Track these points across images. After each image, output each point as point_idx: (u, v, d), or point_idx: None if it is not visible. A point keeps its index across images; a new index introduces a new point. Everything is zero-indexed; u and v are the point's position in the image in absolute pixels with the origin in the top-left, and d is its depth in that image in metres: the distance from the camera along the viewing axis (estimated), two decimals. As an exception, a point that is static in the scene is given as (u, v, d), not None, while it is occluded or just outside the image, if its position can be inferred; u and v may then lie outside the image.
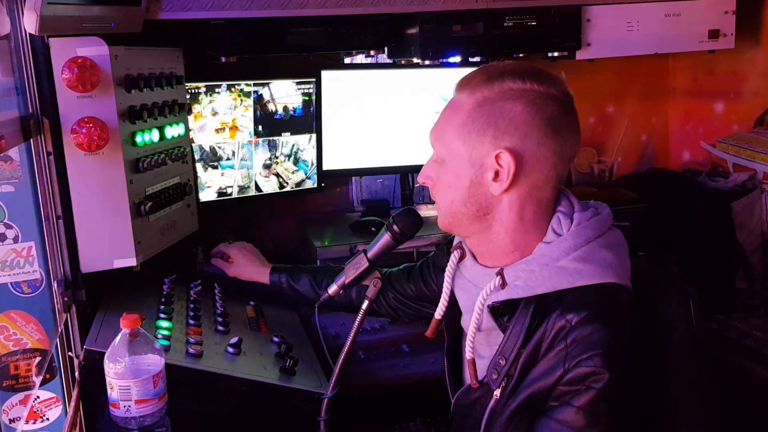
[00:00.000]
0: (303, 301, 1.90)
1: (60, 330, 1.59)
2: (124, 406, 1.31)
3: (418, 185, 2.71)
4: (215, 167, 2.29)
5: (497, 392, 1.29)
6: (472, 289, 1.35)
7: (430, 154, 1.36)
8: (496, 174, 1.26)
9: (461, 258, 1.41)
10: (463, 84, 1.30)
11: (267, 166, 2.39)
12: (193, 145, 2.17)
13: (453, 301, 1.43)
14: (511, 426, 1.27)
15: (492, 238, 1.31)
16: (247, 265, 1.96)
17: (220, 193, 2.32)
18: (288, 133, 2.40)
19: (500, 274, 1.28)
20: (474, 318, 1.32)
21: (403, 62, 2.42)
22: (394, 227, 1.45)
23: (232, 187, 2.34)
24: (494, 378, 1.29)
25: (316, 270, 1.89)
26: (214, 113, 2.24)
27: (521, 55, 2.36)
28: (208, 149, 2.26)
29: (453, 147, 1.28)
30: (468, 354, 1.35)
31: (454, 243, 1.44)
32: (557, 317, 1.21)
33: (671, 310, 1.35)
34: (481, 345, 1.36)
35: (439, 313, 1.42)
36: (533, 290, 1.25)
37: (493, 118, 1.25)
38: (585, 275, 1.23)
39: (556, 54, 2.31)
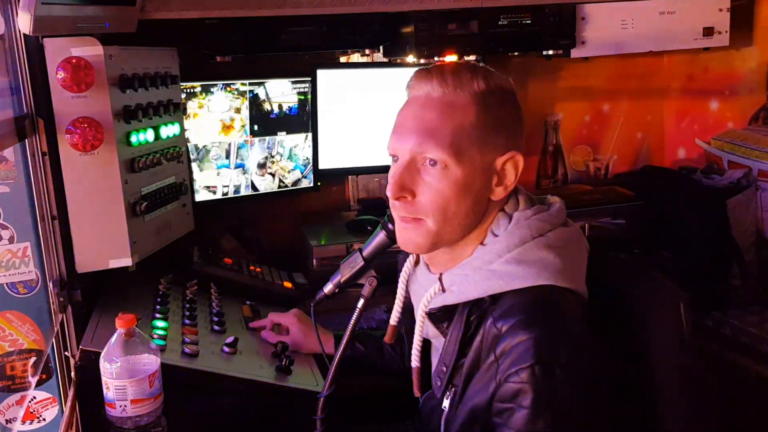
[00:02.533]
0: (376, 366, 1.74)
1: (56, 330, 1.59)
2: (120, 406, 1.31)
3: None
4: (210, 167, 2.29)
5: (446, 402, 1.26)
6: (423, 294, 1.30)
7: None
8: (500, 178, 1.23)
9: (417, 263, 1.38)
10: (442, 79, 1.21)
11: (261, 165, 2.39)
12: (188, 144, 2.16)
13: (411, 307, 1.39)
14: None
15: (458, 248, 1.26)
16: (311, 335, 1.75)
17: (216, 193, 2.32)
18: (284, 133, 2.40)
19: (440, 279, 1.26)
20: (418, 325, 1.30)
21: (398, 61, 2.42)
22: (389, 226, 1.44)
23: (228, 186, 2.33)
24: (438, 385, 1.27)
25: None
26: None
27: (516, 53, 2.36)
28: (203, 149, 2.26)
29: (462, 152, 1.19)
30: (414, 362, 1.32)
31: None
32: (491, 324, 1.16)
33: (659, 315, 1.28)
34: (437, 353, 1.32)
35: (394, 320, 1.40)
36: (465, 295, 1.21)
37: (503, 120, 1.22)
38: (517, 278, 1.17)
39: (551, 52, 2.32)
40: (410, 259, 1.39)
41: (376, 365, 1.72)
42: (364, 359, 1.70)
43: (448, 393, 1.25)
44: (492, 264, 1.20)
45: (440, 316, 1.26)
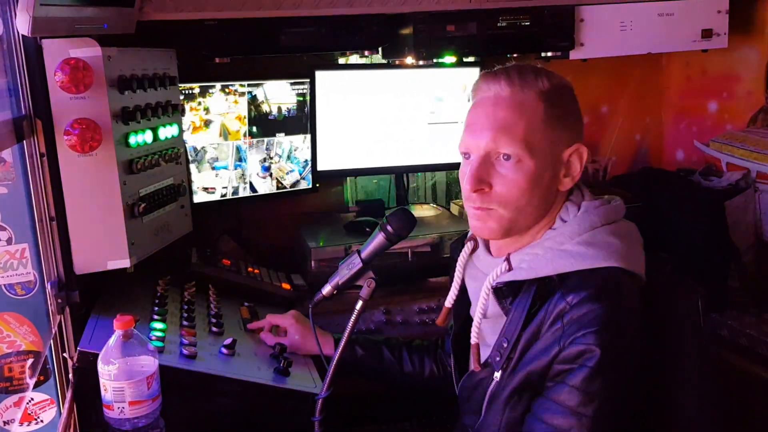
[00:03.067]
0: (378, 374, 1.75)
1: (54, 332, 1.59)
2: (118, 408, 1.31)
3: (414, 185, 2.71)
4: (208, 168, 2.29)
5: (498, 374, 1.31)
6: (483, 278, 1.36)
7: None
8: (567, 170, 1.31)
9: (474, 249, 1.44)
10: (509, 79, 1.30)
11: (267, 168, 2.39)
12: (186, 146, 2.16)
13: (463, 290, 1.45)
14: (509, 406, 1.29)
15: (528, 234, 1.34)
16: (309, 337, 1.74)
17: (214, 194, 2.32)
18: (282, 134, 2.40)
19: (507, 259, 1.32)
20: (480, 303, 1.34)
21: (397, 62, 2.43)
22: (388, 227, 1.45)
23: (226, 188, 2.33)
24: (497, 360, 1.31)
25: (385, 339, 1.78)
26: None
27: (515, 55, 2.36)
28: (201, 150, 2.26)
29: (533, 146, 1.28)
30: (473, 339, 1.37)
31: (469, 234, 1.46)
32: (558, 299, 1.23)
33: (681, 309, 1.37)
34: (488, 333, 1.37)
35: (449, 302, 1.45)
36: (536, 272, 1.27)
37: (566, 115, 1.31)
38: (588, 258, 1.25)
39: (549, 54, 2.32)
40: (467, 246, 1.44)
41: (371, 371, 1.72)
42: (360, 364, 1.70)
43: (503, 365, 1.30)
44: (564, 245, 1.28)
45: (506, 292, 1.31)
